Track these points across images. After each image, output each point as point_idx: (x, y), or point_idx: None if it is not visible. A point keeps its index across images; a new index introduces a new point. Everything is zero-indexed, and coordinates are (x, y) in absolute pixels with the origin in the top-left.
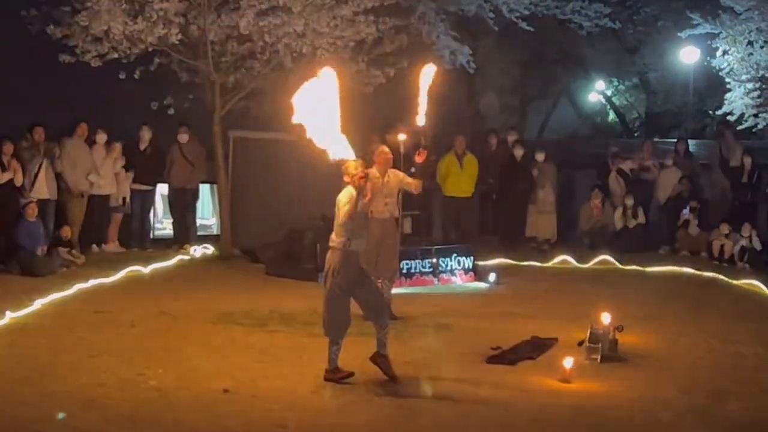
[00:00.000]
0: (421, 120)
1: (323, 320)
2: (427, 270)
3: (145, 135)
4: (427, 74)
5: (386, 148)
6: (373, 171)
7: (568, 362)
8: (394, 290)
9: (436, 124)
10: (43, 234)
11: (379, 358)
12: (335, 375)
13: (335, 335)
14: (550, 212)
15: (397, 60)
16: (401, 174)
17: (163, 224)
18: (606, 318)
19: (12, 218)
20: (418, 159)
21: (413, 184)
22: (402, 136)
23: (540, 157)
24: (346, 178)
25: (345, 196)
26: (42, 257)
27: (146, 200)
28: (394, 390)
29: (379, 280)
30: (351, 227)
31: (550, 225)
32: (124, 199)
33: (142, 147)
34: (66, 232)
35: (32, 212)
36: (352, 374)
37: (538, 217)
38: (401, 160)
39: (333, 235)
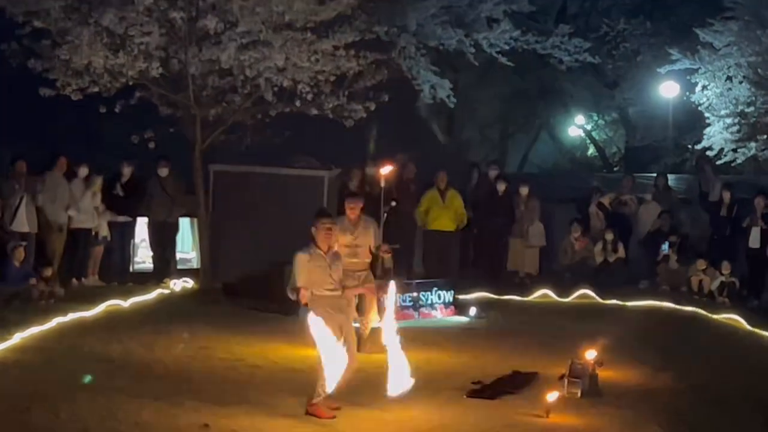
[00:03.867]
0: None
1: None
2: (407, 304)
3: (126, 171)
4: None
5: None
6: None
7: (550, 396)
8: (375, 324)
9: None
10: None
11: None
12: (316, 410)
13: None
14: (537, 246)
15: (378, 94)
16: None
17: (142, 258)
18: (589, 354)
19: None
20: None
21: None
22: (384, 170)
23: (524, 191)
24: None
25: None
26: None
27: (126, 233)
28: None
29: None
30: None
31: (534, 259)
32: (96, 233)
33: (122, 182)
34: (47, 271)
35: (19, 256)
36: (333, 417)
37: (524, 252)
38: (382, 194)
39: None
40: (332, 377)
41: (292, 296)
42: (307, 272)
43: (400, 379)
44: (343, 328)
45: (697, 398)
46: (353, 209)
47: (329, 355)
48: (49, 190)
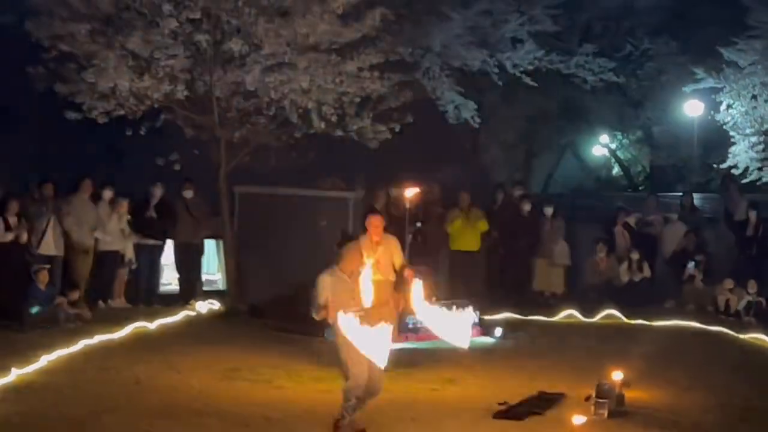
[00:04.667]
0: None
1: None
2: None
3: (156, 192)
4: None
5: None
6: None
7: (576, 418)
8: (400, 345)
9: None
10: (49, 296)
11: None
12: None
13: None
14: (564, 266)
15: (402, 115)
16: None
17: (167, 280)
18: (615, 374)
19: (16, 277)
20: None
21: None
22: (409, 191)
23: (548, 211)
24: None
25: None
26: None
27: (154, 255)
28: None
29: None
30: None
31: (560, 279)
32: (122, 256)
33: (153, 203)
34: (74, 294)
35: (44, 279)
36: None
37: (549, 271)
38: (407, 215)
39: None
40: (356, 398)
41: (317, 316)
42: (330, 293)
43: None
44: None
45: (725, 417)
46: (377, 227)
47: (356, 365)
48: (75, 212)
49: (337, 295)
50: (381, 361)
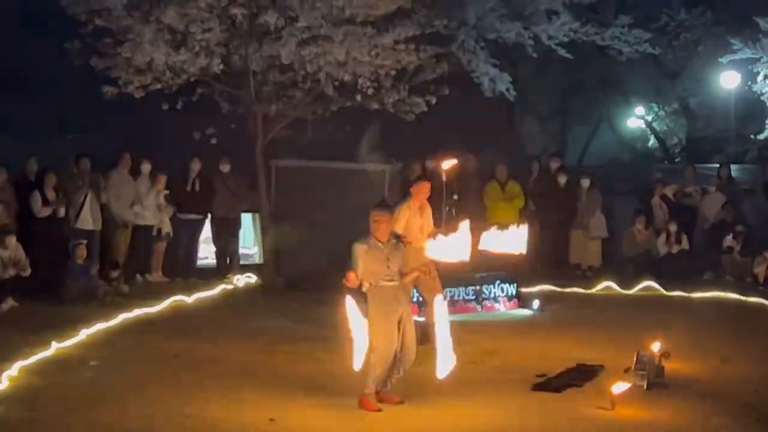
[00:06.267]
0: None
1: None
2: (470, 297)
3: (195, 167)
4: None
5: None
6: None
7: (615, 389)
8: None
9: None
10: (88, 270)
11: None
12: (365, 402)
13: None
14: (600, 238)
15: (438, 88)
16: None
17: (204, 254)
18: (655, 345)
19: (55, 252)
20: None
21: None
22: (445, 164)
23: (585, 183)
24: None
25: None
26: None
27: (195, 230)
28: (439, 421)
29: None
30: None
31: (597, 251)
32: (159, 230)
33: (192, 178)
34: (114, 273)
35: (81, 254)
36: (379, 409)
37: (586, 244)
38: (443, 188)
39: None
40: (382, 370)
41: (348, 284)
42: (364, 262)
43: (445, 359)
44: (401, 320)
45: (765, 388)
46: (425, 193)
47: (360, 341)
48: (114, 187)
49: (371, 264)
50: (408, 352)
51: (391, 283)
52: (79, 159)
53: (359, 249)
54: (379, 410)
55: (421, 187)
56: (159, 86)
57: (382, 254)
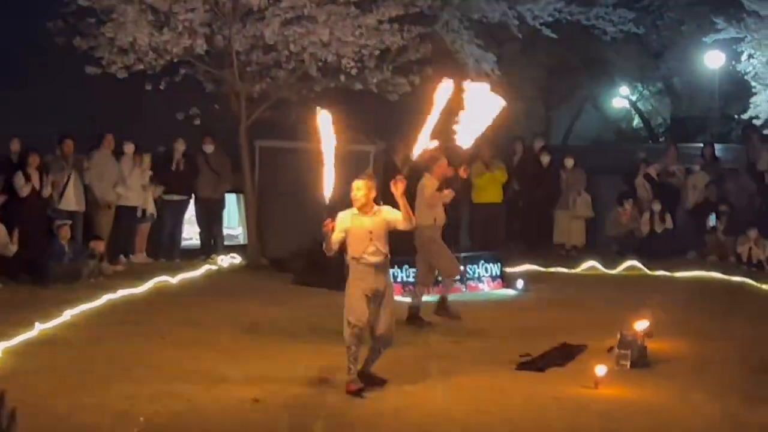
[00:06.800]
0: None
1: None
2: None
3: (179, 147)
4: (444, 90)
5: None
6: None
7: (599, 368)
8: (423, 298)
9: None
10: (71, 251)
11: (365, 377)
12: (348, 388)
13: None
14: (584, 218)
15: (422, 68)
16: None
17: (189, 235)
18: (638, 325)
19: (38, 232)
20: (463, 174)
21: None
22: (430, 144)
23: (569, 163)
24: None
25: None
26: (64, 266)
27: (179, 211)
28: (422, 401)
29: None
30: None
31: (580, 231)
32: (144, 211)
33: (176, 159)
34: (98, 246)
35: (65, 235)
36: (362, 389)
37: (570, 223)
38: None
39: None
40: (357, 344)
41: (327, 250)
42: (349, 235)
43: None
44: (378, 299)
45: (748, 367)
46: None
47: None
48: (96, 167)
49: (354, 236)
50: (386, 330)
51: (374, 258)
52: (62, 140)
53: (345, 217)
54: (361, 389)
55: (442, 164)
56: (142, 67)
57: (364, 228)
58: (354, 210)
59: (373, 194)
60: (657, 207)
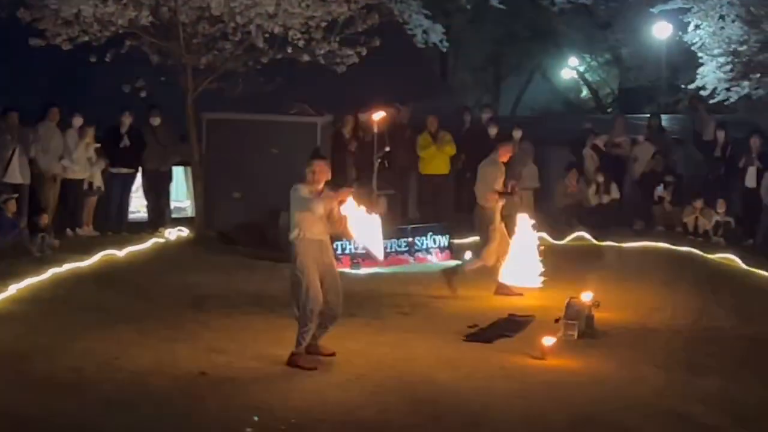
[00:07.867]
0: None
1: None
2: (402, 249)
3: (126, 120)
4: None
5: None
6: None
7: (546, 339)
8: (369, 270)
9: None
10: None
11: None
12: (297, 360)
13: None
14: (532, 189)
15: (370, 39)
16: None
17: (136, 208)
18: (585, 295)
19: None
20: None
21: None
22: (377, 115)
23: (517, 134)
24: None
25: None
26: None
27: (126, 184)
28: (371, 372)
29: None
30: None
31: (528, 202)
32: (90, 184)
33: (123, 132)
34: (44, 219)
35: (11, 208)
36: (315, 368)
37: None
38: (375, 140)
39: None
40: (312, 323)
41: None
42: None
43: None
44: (326, 274)
45: (693, 337)
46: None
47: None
48: (42, 140)
49: (305, 214)
50: (335, 306)
51: (319, 237)
52: (6, 113)
53: (301, 189)
54: (314, 368)
55: (509, 148)
56: (87, 38)
57: (316, 213)
58: (309, 188)
59: (329, 176)
60: (600, 178)
